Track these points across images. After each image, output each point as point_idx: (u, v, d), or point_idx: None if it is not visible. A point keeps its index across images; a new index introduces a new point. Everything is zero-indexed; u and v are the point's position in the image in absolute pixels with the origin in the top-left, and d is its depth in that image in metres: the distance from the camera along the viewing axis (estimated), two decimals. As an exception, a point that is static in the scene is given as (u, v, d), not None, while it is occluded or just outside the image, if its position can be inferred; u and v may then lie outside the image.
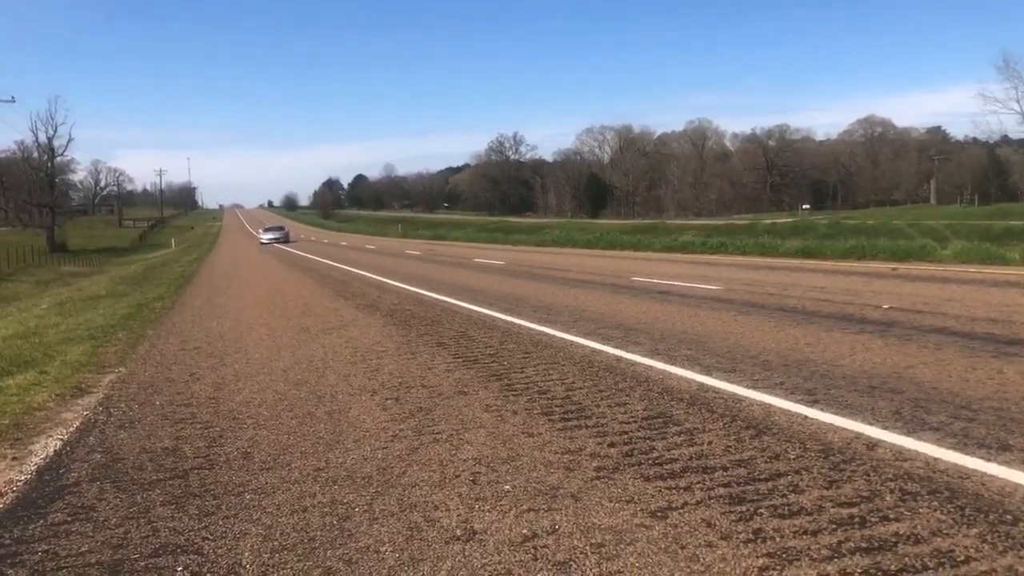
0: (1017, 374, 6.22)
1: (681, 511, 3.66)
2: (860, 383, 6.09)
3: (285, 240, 58.56)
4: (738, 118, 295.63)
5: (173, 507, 4.02)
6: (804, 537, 3.32)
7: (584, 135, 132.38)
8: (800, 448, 4.53)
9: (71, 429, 5.75)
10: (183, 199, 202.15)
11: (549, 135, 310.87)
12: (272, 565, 3.30)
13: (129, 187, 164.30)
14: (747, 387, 6.08)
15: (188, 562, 3.36)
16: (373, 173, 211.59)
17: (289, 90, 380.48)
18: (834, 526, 3.42)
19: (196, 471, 4.60)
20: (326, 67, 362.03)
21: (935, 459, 4.24)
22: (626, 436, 4.89)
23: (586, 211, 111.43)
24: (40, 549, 3.56)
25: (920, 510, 3.56)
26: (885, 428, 4.84)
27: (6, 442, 5.44)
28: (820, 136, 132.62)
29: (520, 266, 23.15)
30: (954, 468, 4.10)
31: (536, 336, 9.14)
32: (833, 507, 3.63)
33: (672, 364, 7.09)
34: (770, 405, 5.52)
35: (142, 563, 3.37)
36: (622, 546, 3.32)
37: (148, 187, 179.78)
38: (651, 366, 7.06)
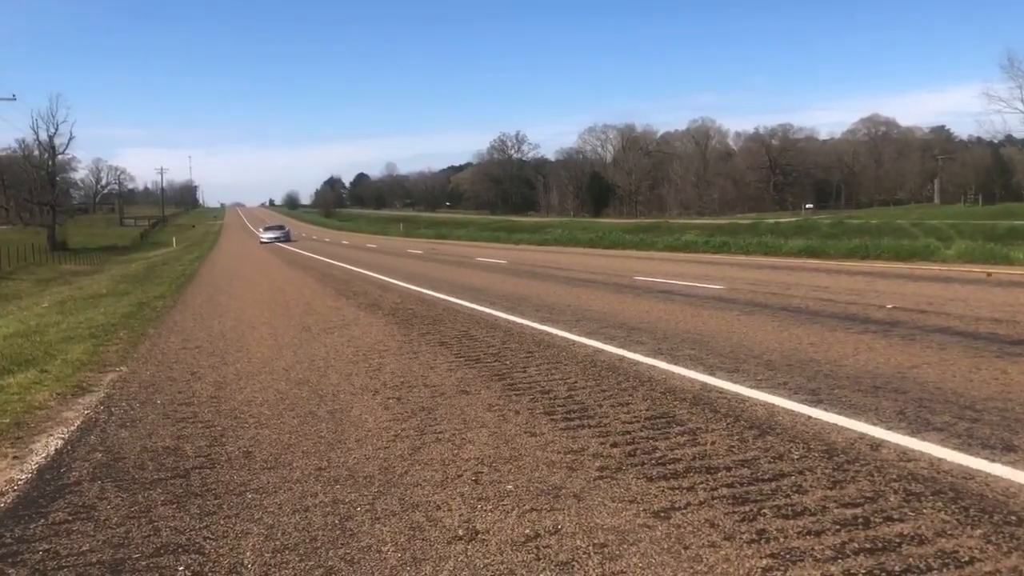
0: (1021, 374, 6.20)
1: (684, 511, 3.65)
2: (864, 383, 6.07)
3: (286, 239, 57.93)
4: (741, 117, 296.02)
5: (174, 506, 4.01)
6: (808, 538, 3.30)
7: (587, 134, 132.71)
8: (804, 448, 4.51)
9: (72, 428, 5.75)
10: (184, 198, 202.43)
11: (551, 134, 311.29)
12: (274, 565, 3.29)
13: (130, 185, 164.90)
14: (750, 387, 6.07)
15: (189, 561, 3.35)
16: (375, 172, 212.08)
17: (291, 88, 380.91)
18: (838, 527, 3.40)
19: (197, 470, 4.59)
20: (328, 65, 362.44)
21: (939, 459, 4.23)
22: (629, 436, 4.87)
23: (588, 210, 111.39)
24: (41, 548, 3.55)
25: (924, 511, 3.55)
26: (889, 428, 4.82)
27: (7, 441, 5.43)
28: (823, 135, 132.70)
29: (522, 265, 23.13)
30: (958, 469, 4.08)
31: (538, 335, 9.13)
32: (837, 508, 3.61)
33: (675, 364, 7.07)
34: (773, 405, 5.50)
35: (143, 562, 3.36)
36: (625, 546, 3.31)
37: (149, 185, 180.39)
38: (654, 366, 7.05)
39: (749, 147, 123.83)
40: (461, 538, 3.47)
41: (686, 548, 3.26)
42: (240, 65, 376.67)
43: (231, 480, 4.39)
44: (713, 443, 4.67)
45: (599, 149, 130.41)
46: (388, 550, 3.38)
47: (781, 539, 3.30)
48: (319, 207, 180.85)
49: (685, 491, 3.90)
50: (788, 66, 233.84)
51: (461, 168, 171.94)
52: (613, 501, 3.81)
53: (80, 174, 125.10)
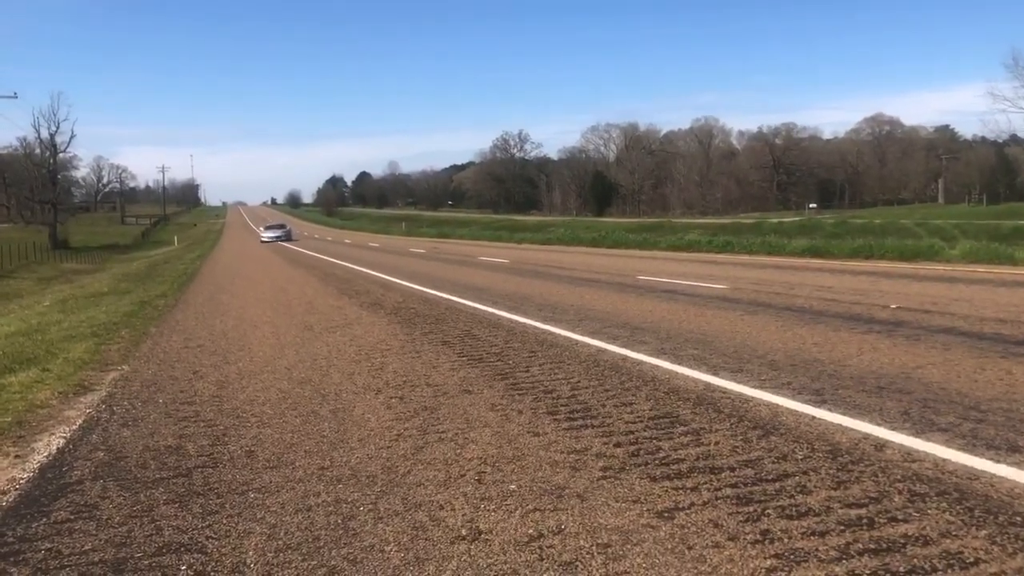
0: (1026, 374, 6.18)
1: (688, 512, 3.63)
2: (868, 383, 6.05)
3: (287, 238, 57.44)
4: (744, 116, 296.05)
5: (177, 505, 4.00)
6: (812, 538, 3.29)
7: (589, 133, 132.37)
8: (808, 449, 4.49)
9: (74, 427, 5.74)
10: (186, 196, 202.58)
11: (554, 133, 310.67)
12: (276, 564, 3.28)
13: (132, 184, 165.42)
14: (754, 387, 6.05)
15: (192, 561, 3.34)
16: (377, 171, 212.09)
17: (293, 87, 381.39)
18: (842, 527, 3.39)
19: (200, 469, 4.59)
20: (330, 64, 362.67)
21: (944, 460, 4.21)
22: (632, 436, 4.86)
23: (591, 209, 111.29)
24: (43, 547, 3.55)
25: (929, 511, 3.53)
26: (893, 429, 4.80)
27: (9, 440, 5.43)
28: (827, 135, 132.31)
29: (525, 264, 23.12)
30: (963, 469, 4.07)
31: (541, 335, 9.12)
32: (841, 508, 3.60)
33: (678, 363, 7.06)
34: (777, 405, 5.49)
35: (145, 561, 3.35)
36: (628, 546, 3.29)
37: (151, 184, 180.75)
38: (657, 365, 7.03)
39: (753, 146, 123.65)
40: (464, 538, 3.46)
41: (690, 548, 3.25)
42: (242, 64, 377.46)
43: (233, 479, 4.38)
44: (717, 443, 4.66)
45: (602, 148, 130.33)
46: (391, 550, 3.37)
47: (785, 540, 3.29)
48: (321, 206, 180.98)
49: (689, 491, 3.89)
50: (792, 65, 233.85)
51: (464, 167, 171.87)
52: (617, 501, 3.80)
53: (81, 172, 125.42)
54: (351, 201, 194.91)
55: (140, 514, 3.90)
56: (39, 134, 71.22)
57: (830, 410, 5.28)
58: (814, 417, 5.14)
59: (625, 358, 7.44)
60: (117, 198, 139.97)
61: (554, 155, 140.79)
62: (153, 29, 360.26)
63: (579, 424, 5.17)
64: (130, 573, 3.26)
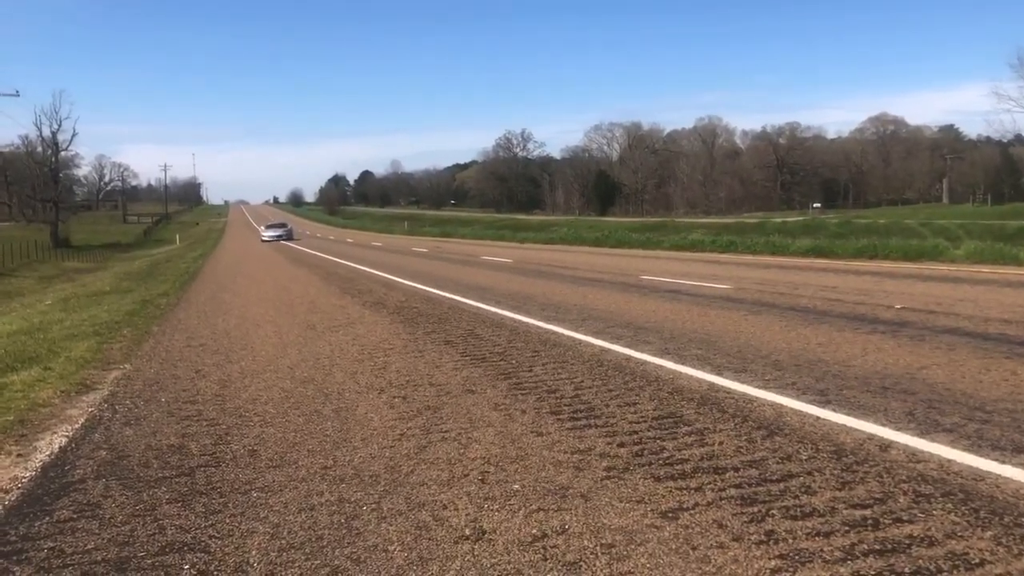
0: (1031, 375, 6.15)
1: (692, 512, 3.62)
2: (872, 384, 6.03)
3: (288, 237, 56.84)
4: (748, 116, 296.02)
5: (179, 505, 3.99)
6: (816, 539, 3.28)
7: (593, 132, 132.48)
8: (812, 449, 4.48)
9: (76, 426, 5.74)
10: (188, 195, 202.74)
11: (557, 132, 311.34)
12: (279, 564, 3.27)
13: (133, 182, 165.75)
14: (758, 387, 6.03)
15: (195, 560, 3.34)
16: (379, 170, 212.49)
17: (295, 85, 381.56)
18: (847, 528, 3.37)
19: (202, 468, 4.58)
20: (332, 63, 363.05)
21: (949, 461, 4.19)
22: (636, 436, 4.85)
23: (594, 209, 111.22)
24: (46, 546, 3.54)
25: (934, 512, 3.51)
26: (898, 429, 4.78)
27: (11, 438, 5.43)
28: (831, 134, 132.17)
29: (528, 264, 23.11)
30: (968, 470, 4.05)
31: (544, 335, 9.10)
32: (846, 509, 3.58)
33: (682, 364, 7.04)
34: (781, 405, 5.47)
35: (148, 561, 3.34)
36: (632, 547, 3.28)
37: (153, 182, 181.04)
38: (661, 365, 7.02)
39: (756, 146, 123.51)
40: (468, 538, 3.45)
41: (694, 549, 3.24)
42: (244, 62, 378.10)
43: (236, 479, 4.38)
44: (721, 443, 4.64)
45: (605, 147, 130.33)
46: (394, 549, 3.36)
47: (790, 540, 3.27)
48: (323, 205, 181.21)
49: (693, 491, 3.88)
50: (795, 65, 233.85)
51: (466, 166, 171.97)
52: (620, 501, 3.78)
53: (83, 171, 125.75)
54: (353, 200, 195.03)
55: (143, 513, 3.89)
56: (41, 132, 71.41)
57: (834, 410, 5.27)
58: (818, 417, 5.12)
59: (629, 358, 7.43)
60: (119, 196, 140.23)
61: (557, 154, 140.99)
62: (156, 27, 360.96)
63: (583, 424, 5.16)
64: (133, 572, 3.26)
